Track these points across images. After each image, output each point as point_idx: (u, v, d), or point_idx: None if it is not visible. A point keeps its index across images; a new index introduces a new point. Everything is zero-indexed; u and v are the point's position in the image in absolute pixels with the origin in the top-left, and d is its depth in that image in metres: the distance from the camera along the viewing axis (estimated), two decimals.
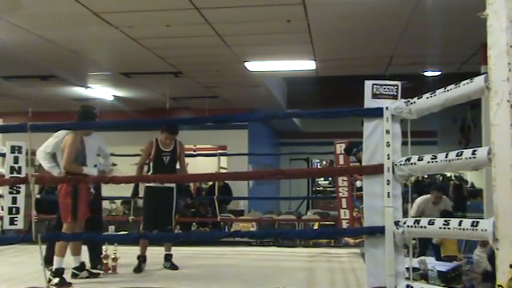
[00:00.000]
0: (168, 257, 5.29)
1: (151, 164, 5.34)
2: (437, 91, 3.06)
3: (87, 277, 4.69)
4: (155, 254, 5.32)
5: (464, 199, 13.42)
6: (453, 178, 15.45)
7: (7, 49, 7.21)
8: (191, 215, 9.90)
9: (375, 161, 3.41)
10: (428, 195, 7.67)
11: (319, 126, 16.01)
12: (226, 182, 10.68)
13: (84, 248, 5.05)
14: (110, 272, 4.94)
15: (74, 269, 4.70)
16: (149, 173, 5.38)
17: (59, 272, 4.46)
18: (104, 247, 5.05)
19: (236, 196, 11.52)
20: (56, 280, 4.40)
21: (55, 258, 4.47)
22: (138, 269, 5.07)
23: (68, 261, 4.59)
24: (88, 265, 4.99)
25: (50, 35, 6.68)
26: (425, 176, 13.68)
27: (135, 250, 5.20)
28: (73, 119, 8.23)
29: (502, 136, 2.44)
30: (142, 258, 5.18)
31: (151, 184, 5.24)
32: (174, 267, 5.21)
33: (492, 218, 2.53)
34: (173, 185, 5.34)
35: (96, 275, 4.80)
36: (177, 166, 5.54)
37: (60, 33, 6.64)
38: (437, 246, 7.14)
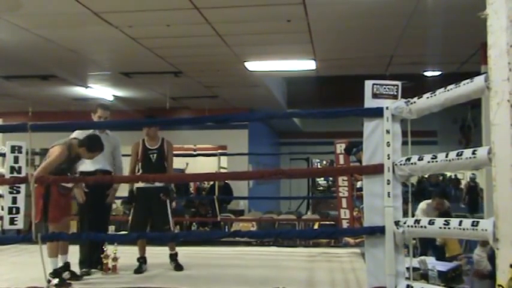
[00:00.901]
0: (173, 257, 5.27)
1: (139, 164, 5.32)
2: (438, 91, 3.06)
3: (68, 278, 4.57)
4: (155, 254, 5.32)
5: (479, 201, 13.20)
6: (456, 178, 15.36)
7: (7, 49, 7.21)
8: (191, 215, 9.90)
9: (375, 160, 3.41)
10: (428, 201, 7.65)
11: (319, 126, 16.02)
12: (226, 181, 10.68)
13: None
14: (110, 272, 4.93)
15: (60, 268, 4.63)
16: (138, 174, 5.32)
17: (57, 273, 4.45)
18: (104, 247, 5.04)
19: (236, 196, 11.52)
20: (55, 281, 4.39)
21: (50, 259, 4.45)
22: (139, 270, 5.06)
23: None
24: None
25: (50, 35, 6.68)
26: (426, 176, 13.66)
27: (135, 250, 5.20)
28: (73, 119, 8.25)
29: (502, 136, 2.44)
30: (142, 260, 5.16)
31: (142, 185, 5.19)
32: (179, 267, 5.19)
33: (492, 218, 2.53)
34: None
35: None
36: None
37: (60, 33, 6.64)
38: (439, 247, 7.12)
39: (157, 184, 5.18)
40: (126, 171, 5.57)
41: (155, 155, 5.26)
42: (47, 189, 4.48)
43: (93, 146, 4.61)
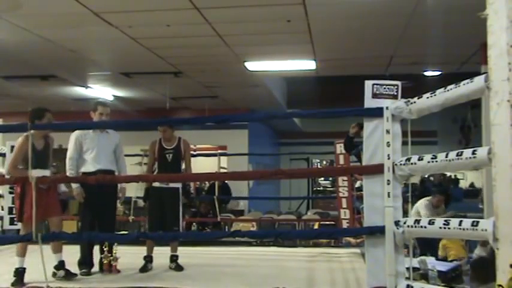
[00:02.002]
0: (173, 258, 5.27)
1: (156, 163, 5.34)
2: (437, 91, 3.07)
3: (63, 276, 4.58)
4: (156, 254, 5.31)
5: None
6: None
7: (7, 49, 7.21)
8: (191, 215, 9.89)
9: (375, 160, 3.41)
10: (428, 198, 7.59)
11: (319, 126, 15.98)
12: (225, 181, 10.67)
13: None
14: (110, 272, 4.93)
15: (54, 267, 4.63)
16: (155, 173, 5.36)
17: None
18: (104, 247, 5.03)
19: (236, 196, 11.51)
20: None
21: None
22: (144, 269, 5.06)
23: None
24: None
25: (50, 35, 6.68)
26: (426, 176, 13.64)
27: (135, 250, 5.20)
28: (73, 119, 8.25)
29: (502, 136, 2.44)
30: (148, 258, 5.17)
31: (156, 184, 5.23)
32: (179, 268, 5.20)
33: (492, 218, 2.53)
34: (179, 184, 5.31)
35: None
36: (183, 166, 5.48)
37: (60, 33, 6.64)
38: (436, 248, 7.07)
39: (171, 184, 5.20)
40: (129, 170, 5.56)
41: (171, 155, 5.28)
42: (23, 188, 4.41)
43: (37, 112, 4.59)
